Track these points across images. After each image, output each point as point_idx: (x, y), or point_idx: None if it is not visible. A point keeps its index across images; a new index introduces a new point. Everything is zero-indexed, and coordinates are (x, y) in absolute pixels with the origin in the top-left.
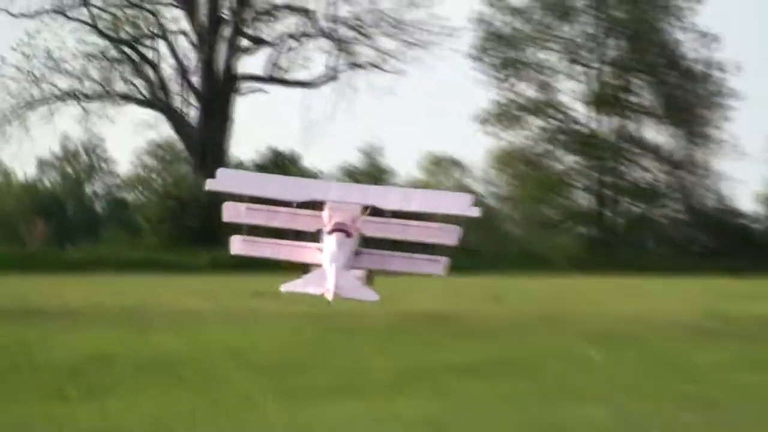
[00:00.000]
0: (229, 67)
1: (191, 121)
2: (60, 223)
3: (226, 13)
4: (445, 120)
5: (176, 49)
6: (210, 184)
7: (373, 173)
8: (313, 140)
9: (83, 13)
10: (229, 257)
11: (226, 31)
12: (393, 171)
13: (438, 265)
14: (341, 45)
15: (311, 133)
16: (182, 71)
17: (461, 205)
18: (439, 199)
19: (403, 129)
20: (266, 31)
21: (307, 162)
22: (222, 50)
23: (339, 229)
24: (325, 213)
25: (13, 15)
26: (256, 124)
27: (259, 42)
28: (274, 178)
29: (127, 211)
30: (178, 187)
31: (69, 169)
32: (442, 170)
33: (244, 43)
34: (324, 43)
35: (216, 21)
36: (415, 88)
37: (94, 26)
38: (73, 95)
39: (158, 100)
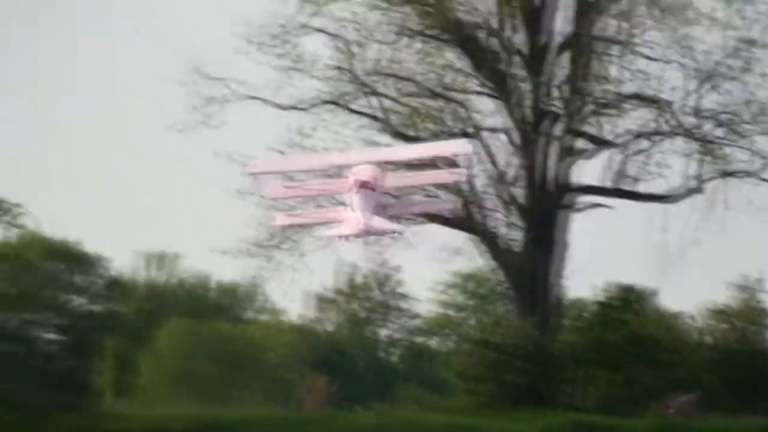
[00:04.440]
0: (560, 176)
1: (512, 245)
2: (345, 378)
3: (556, 105)
4: None
5: (492, 152)
6: (251, 168)
7: (750, 315)
8: (670, 272)
9: (371, 105)
10: (565, 424)
11: (557, 129)
12: None
13: (450, 204)
14: (707, 147)
15: (668, 262)
16: (500, 180)
17: (456, 148)
18: (437, 145)
19: None
20: (608, 128)
21: (664, 300)
22: (551, 153)
23: (363, 186)
24: (350, 176)
25: (280, 107)
26: (592, 249)
27: (599, 143)
28: (300, 154)
29: (429, 364)
30: (497, 333)
31: (355, 308)
32: None
33: (580, 143)
34: (684, 144)
35: (543, 115)
36: None
37: (386, 122)
38: None
39: (469, 218)
